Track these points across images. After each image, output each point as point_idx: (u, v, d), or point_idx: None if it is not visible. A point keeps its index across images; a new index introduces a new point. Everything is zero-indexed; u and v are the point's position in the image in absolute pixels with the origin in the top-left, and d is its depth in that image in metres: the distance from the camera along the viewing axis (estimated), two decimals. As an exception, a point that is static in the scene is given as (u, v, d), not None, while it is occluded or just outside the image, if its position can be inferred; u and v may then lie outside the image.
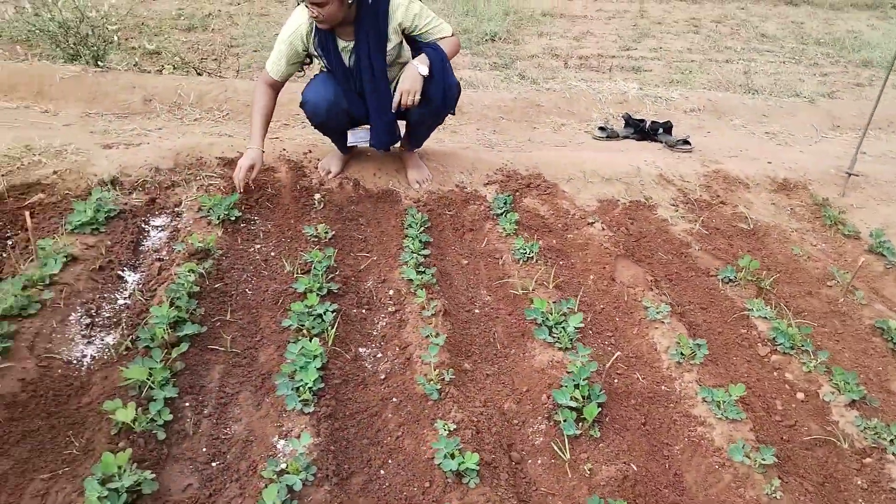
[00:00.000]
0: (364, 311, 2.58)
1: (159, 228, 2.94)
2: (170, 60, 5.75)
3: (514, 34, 7.78)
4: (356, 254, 2.90)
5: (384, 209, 3.23)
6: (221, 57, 6.26)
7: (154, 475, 1.76)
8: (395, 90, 3.01)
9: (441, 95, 2.98)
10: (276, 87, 3.10)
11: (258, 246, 2.89)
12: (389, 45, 2.98)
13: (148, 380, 2.02)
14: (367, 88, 3.05)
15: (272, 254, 2.84)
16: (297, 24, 2.96)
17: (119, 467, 1.72)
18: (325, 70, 3.10)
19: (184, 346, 2.15)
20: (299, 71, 3.14)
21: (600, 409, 2.03)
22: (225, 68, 5.79)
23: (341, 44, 2.99)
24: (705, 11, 9.86)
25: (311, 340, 2.21)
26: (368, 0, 2.85)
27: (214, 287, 2.56)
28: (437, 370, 2.16)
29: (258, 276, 2.71)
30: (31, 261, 2.59)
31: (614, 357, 2.09)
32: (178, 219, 2.98)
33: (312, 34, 2.96)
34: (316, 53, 3.05)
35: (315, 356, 2.14)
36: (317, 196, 3.18)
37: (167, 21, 7.07)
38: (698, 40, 8.18)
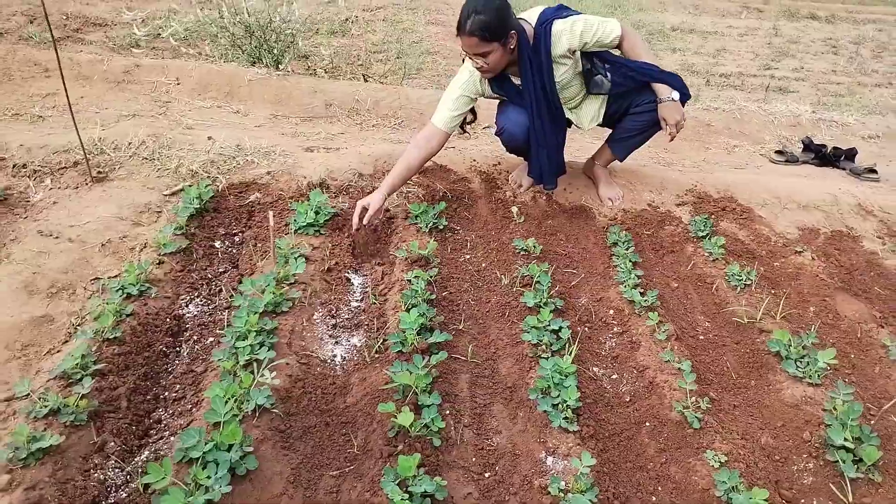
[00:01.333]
0: (587, 329, 2.57)
1: (370, 231, 3.01)
2: (318, 64, 5.95)
3: (648, 49, 7.66)
4: (563, 269, 2.90)
5: (580, 225, 3.22)
6: (367, 62, 6.43)
7: (445, 482, 1.80)
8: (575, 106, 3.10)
9: (686, 97, 2.96)
10: (437, 139, 2.99)
11: (468, 256, 2.93)
12: (562, 70, 2.92)
13: (412, 385, 2.07)
14: (533, 125, 3.02)
15: (483, 265, 2.87)
16: (469, 72, 2.93)
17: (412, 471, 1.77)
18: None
19: (443, 355, 2.19)
20: (461, 129, 3.11)
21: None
22: (372, 74, 5.94)
23: (515, 81, 2.98)
24: (841, 31, 9.46)
25: (561, 358, 2.21)
26: (529, 41, 2.82)
27: (442, 295, 2.61)
28: (693, 398, 2.13)
29: (476, 286, 2.74)
30: (265, 258, 2.71)
31: (894, 401, 2.01)
32: (388, 224, 3.06)
33: (485, 80, 2.96)
34: (496, 96, 3.07)
35: (568, 374, 2.15)
36: (514, 209, 3.20)
37: (310, 25, 7.29)
38: (841, 62, 7.86)
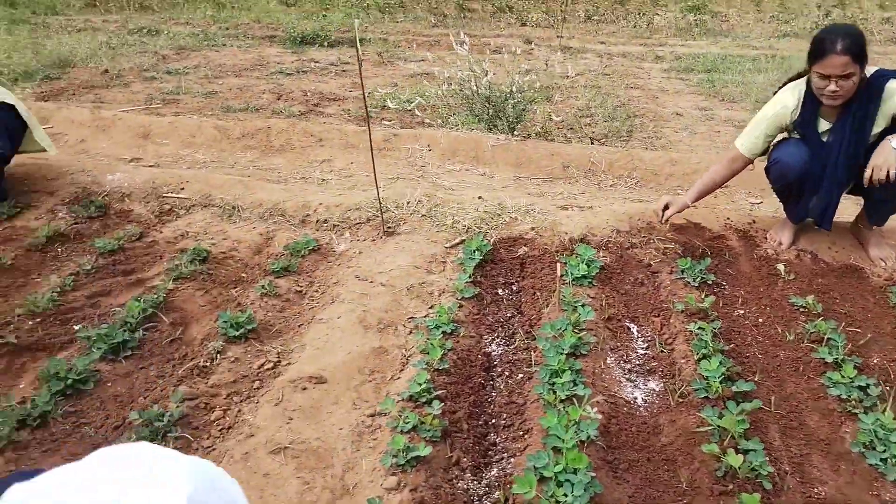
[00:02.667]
0: (887, 388, 2.50)
1: (636, 284, 3.16)
2: (531, 129, 6.31)
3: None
4: (846, 328, 2.84)
5: (853, 285, 3.14)
6: (578, 126, 6.72)
7: (789, 524, 1.84)
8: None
9: None
10: (739, 162, 3.24)
11: (741, 311, 2.97)
12: (875, 130, 2.95)
13: (730, 429, 2.14)
14: (829, 168, 3.04)
15: (760, 320, 2.90)
16: (784, 103, 3.07)
17: (755, 510, 1.83)
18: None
19: (756, 403, 2.25)
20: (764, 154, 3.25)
21: None
22: (583, 136, 6.20)
23: (822, 125, 3.04)
24: None
25: (876, 413, 2.19)
26: (862, 85, 2.88)
27: (729, 347, 2.67)
28: None
29: (757, 341, 2.77)
30: (548, 306, 2.94)
31: None
32: (652, 277, 3.19)
33: (797, 113, 3.06)
34: (794, 131, 3.14)
35: (891, 430, 2.12)
36: (780, 266, 3.20)
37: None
38: None
